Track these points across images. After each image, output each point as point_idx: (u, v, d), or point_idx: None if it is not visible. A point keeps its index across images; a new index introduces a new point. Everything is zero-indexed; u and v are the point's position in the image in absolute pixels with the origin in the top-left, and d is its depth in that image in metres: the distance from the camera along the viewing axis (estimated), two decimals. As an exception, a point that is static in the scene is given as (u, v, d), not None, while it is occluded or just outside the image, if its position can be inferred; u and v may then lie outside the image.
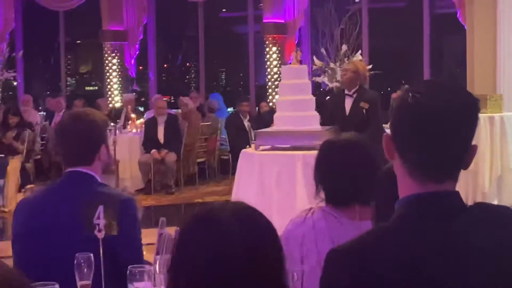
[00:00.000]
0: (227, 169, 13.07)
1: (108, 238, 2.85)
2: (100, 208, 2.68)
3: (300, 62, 8.31)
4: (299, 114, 7.98)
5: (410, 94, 1.79)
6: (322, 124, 8.09)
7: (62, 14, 17.44)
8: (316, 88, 15.94)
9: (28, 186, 11.18)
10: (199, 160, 13.09)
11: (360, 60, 8.42)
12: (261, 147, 7.96)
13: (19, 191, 11.08)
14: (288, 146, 7.82)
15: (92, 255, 2.80)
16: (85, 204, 2.77)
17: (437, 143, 1.76)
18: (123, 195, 3.27)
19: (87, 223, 2.75)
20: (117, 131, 12.40)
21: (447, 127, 1.76)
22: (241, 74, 20.48)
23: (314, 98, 8.32)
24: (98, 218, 2.69)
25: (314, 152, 7.41)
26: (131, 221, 3.13)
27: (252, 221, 1.64)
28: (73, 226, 2.97)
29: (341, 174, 2.84)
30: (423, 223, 1.77)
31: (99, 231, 2.71)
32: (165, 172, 12.14)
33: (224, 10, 18.97)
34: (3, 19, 16.78)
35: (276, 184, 7.55)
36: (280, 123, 8.12)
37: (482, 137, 8.89)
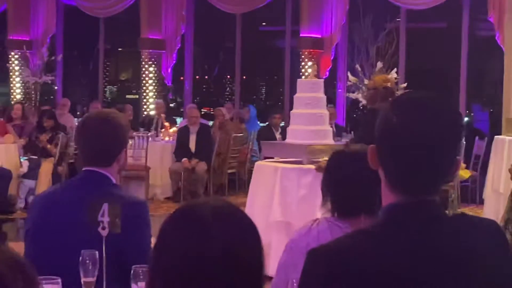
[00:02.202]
0: (257, 181, 13.05)
1: (114, 238, 2.86)
2: (105, 206, 2.70)
3: (317, 76, 8.33)
4: (311, 128, 7.96)
5: (393, 113, 1.87)
6: (357, 141, 8.00)
7: (102, 21, 17.63)
8: (352, 105, 15.92)
9: (59, 188, 11.29)
10: (230, 171, 13.12)
11: (386, 76, 8.26)
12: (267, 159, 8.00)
13: (50, 193, 11.19)
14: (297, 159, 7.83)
15: (97, 252, 2.82)
16: (92, 202, 2.79)
17: (419, 161, 1.84)
18: (135, 198, 3.29)
19: (92, 220, 2.77)
20: (150, 138, 12.50)
21: (429, 145, 1.84)
22: (281, 89, 20.53)
23: (327, 112, 8.31)
24: (103, 215, 2.71)
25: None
26: (140, 224, 3.15)
27: (232, 219, 1.64)
28: (82, 224, 2.99)
29: (349, 185, 2.83)
30: (400, 229, 1.84)
31: (103, 228, 2.73)
32: (195, 181, 12.18)
33: (264, 24, 19.04)
34: (45, 23, 17.00)
35: (297, 198, 7.54)
36: (291, 136, 8.12)
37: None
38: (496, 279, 1.86)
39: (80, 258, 2.81)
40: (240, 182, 13.50)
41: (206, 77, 20.66)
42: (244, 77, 17.77)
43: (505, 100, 11.11)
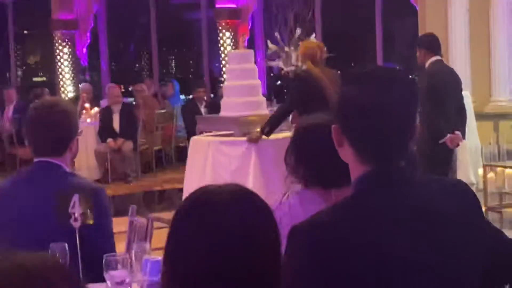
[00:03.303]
0: (184, 157, 12.99)
1: (80, 228, 2.81)
2: (76, 197, 2.64)
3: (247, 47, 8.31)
4: (246, 100, 7.96)
5: (353, 89, 1.95)
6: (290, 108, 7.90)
7: (11, 5, 17.15)
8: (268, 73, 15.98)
9: (-17, 179, 11.02)
10: (156, 148, 13.02)
11: (310, 40, 8.22)
12: (205, 133, 7.97)
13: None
14: (231, 132, 7.83)
15: (66, 244, 2.76)
16: (57, 194, 2.72)
17: (386, 130, 1.92)
18: (93, 185, 3.23)
19: (60, 213, 2.70)
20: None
21: (394, 114, 1.92)
22: (191, 62, 20.38)
23: (260, 82, 8.31)
24: (74, 207, 2.65)
25: (268, 139, 7.46)
26: (103, 211, 3.10)
27: (250, 203, 1.63)
28: (45, 217, 2.92)
29: (320, 158, 2.82)
30: (376, 196, 1.92)
31: (75, 220, 2.67)
32: (122, 161, 12.05)
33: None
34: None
35: (229, 171, 7.55)
36: (226, 109, 8.09)
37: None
38: (465, 235, 1.94)
39: (49, 251, 2.74)
40: (167, 159, 13.42)
41: (119, 54, 20.34)
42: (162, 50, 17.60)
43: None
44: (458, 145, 7.31)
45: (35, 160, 3.20)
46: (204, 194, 1.64)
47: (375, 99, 1.92)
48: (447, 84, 7.27)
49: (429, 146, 7.00)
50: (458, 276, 1.91)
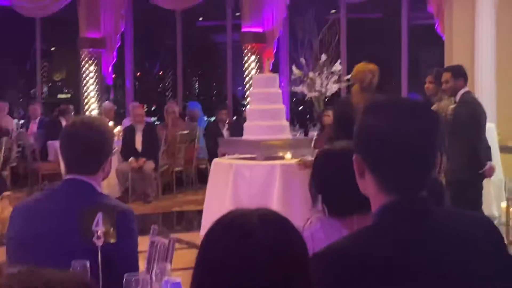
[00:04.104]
0: (205, 178, 13.00)
1: (104, 247, 2.81)
2: (99, 215, 2.64)
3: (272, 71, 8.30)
4: (269, 124, 7.95)
5: (375, 119, 1.97)
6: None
7: (39, 21, 17.32)
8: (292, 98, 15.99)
9: (5, 193, 11.05)
10: (176, 169, 13.03)
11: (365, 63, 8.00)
12: (227, 155, 7.96)
13: (-4, 198, 10.97)
14: (254, 156, 7.81)
15: (88, 262, 2.75)
16: (83, 211, 2.72)
17: (409, 161, 1.94)
18: (122, 206, 3.22)
19: (84, 231, 2.70)
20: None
21: (418, 144, 1.95)
22: (214, 84, 20.46)
23: (284, 107, 8.30)
24: (97, 225, 2.65)
25: (292, 162, 7.44)
26: (129, 233, 3.09)
27: (278, 226, 1.62)
28: (70, 234, 2.92)
29: (340, 183, 2.80)
30: (398, 225, 1.94)
31: (98, 238, 2.67)
32: (143, 181, 12.07)
33: (201, 19, 18.94)
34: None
35: (250, 195, 7.53)
36: (249, 132, 8.08)
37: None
38: (486, 267, 1.95)
39: (71, 268, 2.74)
40: (187, 180, 13.43)
41: (143, 74, 20.47)
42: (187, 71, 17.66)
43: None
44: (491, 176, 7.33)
45: (67, 177, 3.19)
46: (235, 218, 1.64)
47: (397, 129, 1.94)
48: (483, 115, 7.31)
49: (470, 175, 6.99)
50: None
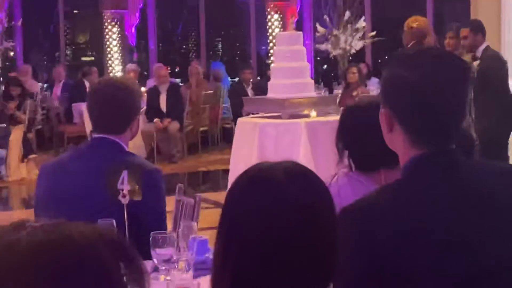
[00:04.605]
0: (230, 138, 13.02)
1: (131, 206, 2.81)
2: (125, 173, 2.63)
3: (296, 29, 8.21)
4: (294, 82, 7.89)
5: (405, 71, 1.92)
6: None
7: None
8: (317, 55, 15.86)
9: (31, 156, 11.14)
10: (201, 129, 13.04)
11: (416, 17, 7.70)
12: (251, 114, 7.93)
13: (22, 161, 11.05)
14: (279, 114, 7.77)
15: (114, 221, 2.75)
16: (110, 169, 2.72)
17: (440, 112, 1.91)
18: (149, 165, 3.21)
19: (110, 189, 2.70)
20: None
21: (448, 95, 1.91)
22: (237, 44, 20.37)
23: (309, 65, 8.23)
24: (122, 183, 2.64)
25: (317, 119, 7.40)
26: (157, 192, 3.08)
27: (304, 179, 1.60)
28: (97, 192, 2.92)
29: (367, 137, 2.76)
30: (429, 178, 1.90)
31: (123, 196, 2.66)
32: (168, 141, 12.09)
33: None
34: (1, -12, 16.61)
35: (277, 153, 7.50)
36: (273, 91, 8.02)
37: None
38: None
39: (97, 227, 2.74)
40: (212, 140, 13.44)
41: (167, 35, 20.41)
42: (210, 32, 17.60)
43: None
44: None
45: (94, 135, 3.19)
46: (260, 171, 1.62)
47: (426, 78, 1.89)
48: (507, 70, 7.22)
49: (502, 132, 6.92)
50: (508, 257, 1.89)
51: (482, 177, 1.96)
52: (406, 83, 1.91)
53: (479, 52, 7.23)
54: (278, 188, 1.56)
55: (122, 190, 2.66)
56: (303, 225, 1.53)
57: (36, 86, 14.62)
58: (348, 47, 11.92)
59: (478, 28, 7.26)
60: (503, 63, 7.12)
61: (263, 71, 15.03)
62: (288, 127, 7.50)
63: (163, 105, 12.15)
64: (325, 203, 1.59)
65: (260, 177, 1.60)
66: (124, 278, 1.06)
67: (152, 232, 2.79)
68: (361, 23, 12.13)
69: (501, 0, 10.67)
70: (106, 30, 16.21)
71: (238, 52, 20.39)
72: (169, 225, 3.77)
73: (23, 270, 1.00)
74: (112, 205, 2.79)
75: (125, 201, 2.67)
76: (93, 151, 3.15)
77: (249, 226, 1.54)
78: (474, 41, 7.17)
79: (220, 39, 20.61)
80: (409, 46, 7.10)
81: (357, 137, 2.87)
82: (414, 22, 7.34)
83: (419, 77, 1.89)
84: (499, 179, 1.97)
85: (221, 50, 20.70)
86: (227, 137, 13.30)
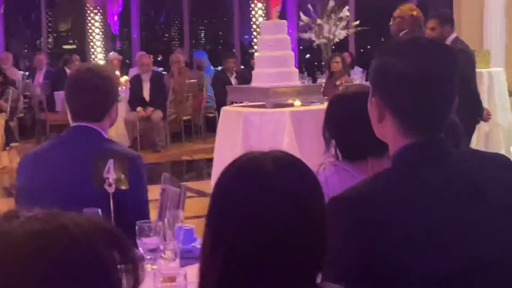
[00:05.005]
0: (213, 127, 12.99)
1: (115, 194, 2.78)
2: (110, 162, 2.60)
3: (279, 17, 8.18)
4: (278, 71, 7.86)
5: (395, 59, 1.91)
6: None
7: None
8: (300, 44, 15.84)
9: (13, 144, 11.07)
10: (185, 118, 13.01)
11: (412, 5, 7.55)
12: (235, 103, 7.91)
13: (4, 149, 10.98)
14: (263, 103, 7.76)
15: (99, 210, 2.73)
16: (93, 158, 2.69)
17: (431, 101, 1.90)
18: (131, 152, 3.19)
19: (95, 178, 2.67)
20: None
21: (438, 85, 1.90)
22: (220, 33, 20.31)
23: (293, 54, 8.20)
24: (108, 172, 2.62)
25: (301, 109, 7.40)
26: (139, 179, 3.06)
27: (293, 168, 1.59)
28: (80, 181, 2.90)
29: (354, 126, 2.76)
30: (418, 167, 1.90)
31: (109, 185, 2.64)
32: (151, 130, 12.06)
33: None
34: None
35: (261, 142, 7.49)
36: (257, 80, 8.00)
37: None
38: (506, 205, 1.92)
39: (83, 217, 2.71)
40: (196, 129, 13.41)
41: (149, 23, 20.32)
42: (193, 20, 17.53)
43: (455, 32, 11.14)
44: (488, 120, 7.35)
45: (73, 124, 3.17)
46: (248, 161, 1.60)
47: (419, 67, 1.89)
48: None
49: (473, 123, 6.93)
50: (501, 245, 1.89)
51: (473, 166, 1.97)
52: (395, 70, 1.90)
53: (448, 44, 7.18)
54: (267, 178, 1.55)
55: (108, 179, 2.64)
56: (292, 215, 1.52)
57: (17, 74, 14.52)
58: (331, 36, 11.88)
59: (446, 20, 7.15)
60: (472, 55, 7.06)
61: (247, 60, 15.01)
62: (272, 116, 7.48)
63: (146, 94, 12.10)
64: (314, 193, 1.59)
65: (249, 167, 1.58)
66: (118, 267, 1.05)
67: (138, 221, 2.77)
68: (345, 12, 12.09)
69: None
70: (89, 18, 16.11)
71: (221, 41, 20.35)
72: (154, 215, 3.76)
73: (18, 260, 0.99)
74: (96, 194, 2.76)
75: (111, 190, 2.65)
76: (73, 140, 3.12)
77: (238, 216, 1.53)
78: (442, 32, 7.06)
79: (204, 27, 20.55)
80: (401, 35, 7.06)
81: (344, 126, 2.85)
82: (413, 10, 7.31)
83: (413, 66, 1.89)
84: (489, 168, 1.97)
85: (204, 39, 20.64)
86: (210, 126, 13.28)
